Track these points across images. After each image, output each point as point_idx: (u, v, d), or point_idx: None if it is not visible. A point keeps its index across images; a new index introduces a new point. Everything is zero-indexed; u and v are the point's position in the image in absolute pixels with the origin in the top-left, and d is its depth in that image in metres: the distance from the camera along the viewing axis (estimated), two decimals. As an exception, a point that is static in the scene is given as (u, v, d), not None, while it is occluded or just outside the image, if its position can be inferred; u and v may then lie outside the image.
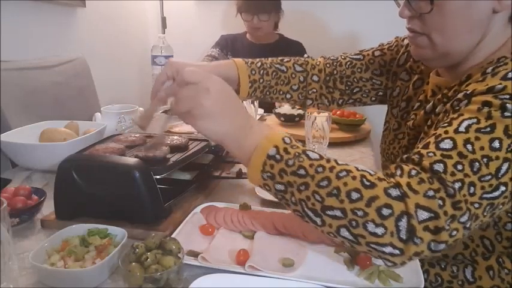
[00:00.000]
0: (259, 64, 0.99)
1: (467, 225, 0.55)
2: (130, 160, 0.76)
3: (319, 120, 1.41)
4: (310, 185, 0.57)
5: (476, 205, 0.55)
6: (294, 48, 2.17)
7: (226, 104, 0.62)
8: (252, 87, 0.97)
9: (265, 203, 0.87)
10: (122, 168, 0.74)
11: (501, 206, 0.58)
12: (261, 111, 1.67)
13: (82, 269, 0.60)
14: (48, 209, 0.81)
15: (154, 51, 1.51)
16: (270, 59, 1.02)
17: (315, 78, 1.04)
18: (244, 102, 1.50)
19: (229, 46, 2.22)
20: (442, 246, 0.54)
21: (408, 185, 0.55)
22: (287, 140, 0.61)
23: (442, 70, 0.80)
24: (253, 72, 0.97)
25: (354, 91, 1.04)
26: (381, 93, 1.03)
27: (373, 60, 1.01)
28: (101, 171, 0.76)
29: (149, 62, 1.52)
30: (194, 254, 0.66)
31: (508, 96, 0.58)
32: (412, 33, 0.74)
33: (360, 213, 0.54)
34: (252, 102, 1.51)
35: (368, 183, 0.56)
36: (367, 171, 0.59)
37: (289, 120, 1.53)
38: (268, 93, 1.01)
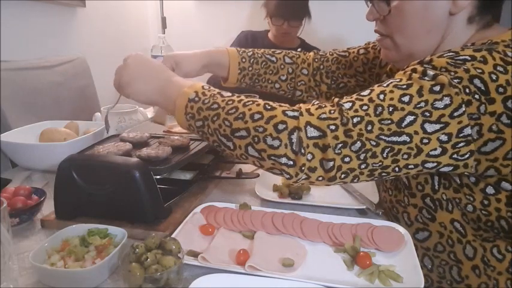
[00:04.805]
0: (250, 53, 1.06)
1: (362, 157, 0.62)
2: (131, 160, 0.76)
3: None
4: (221, 114, 0.67)
5: (373, 142, 0.61)
6: None
7: (143, 69, 0.78)
8: (241, 73, 1.05)
9: (265, 203, 0.87)
10: (122, 168, 0.74)
11: (406, 156, 0.63)
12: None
13: (82, 269, 0.60)
14: (48, 209, 0.81)
15: (154, 51, 1.52)
16: (262, 49, 1.09)
17: (304, 71, 1.10)
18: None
19: (249, 45, 2.10)
20: (331, 164, 0.62)
21: (307, 109, 0.64)
22: (206, 87, 0.72)
23: None
24: (244, 60, 1.05)
25: (340, 86, 1.09)
26: None
27: (357, 57, 1.06)
28: (101, 171, 0.75)
29: (149, 62, 1.52)
30: (194, 254, 0.66)
31: (431, 66, 0.64)
32: (379, 37, 0.80)
33: (260, 129, 0.63)
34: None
35: (269, 107, 0.65)
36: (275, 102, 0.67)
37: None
38: (257, 81, 1.08)
